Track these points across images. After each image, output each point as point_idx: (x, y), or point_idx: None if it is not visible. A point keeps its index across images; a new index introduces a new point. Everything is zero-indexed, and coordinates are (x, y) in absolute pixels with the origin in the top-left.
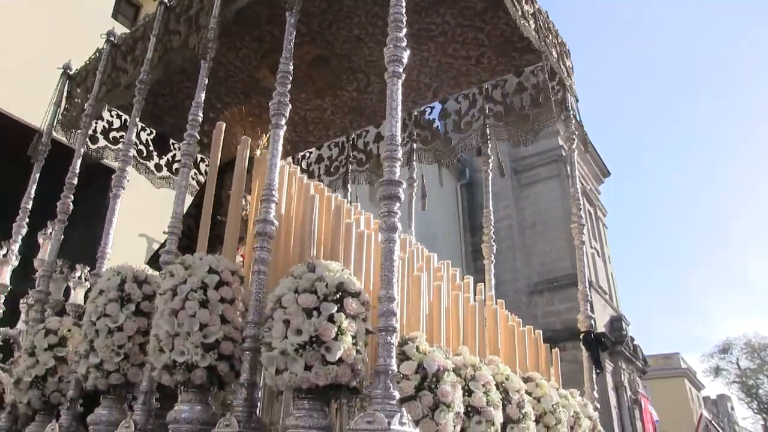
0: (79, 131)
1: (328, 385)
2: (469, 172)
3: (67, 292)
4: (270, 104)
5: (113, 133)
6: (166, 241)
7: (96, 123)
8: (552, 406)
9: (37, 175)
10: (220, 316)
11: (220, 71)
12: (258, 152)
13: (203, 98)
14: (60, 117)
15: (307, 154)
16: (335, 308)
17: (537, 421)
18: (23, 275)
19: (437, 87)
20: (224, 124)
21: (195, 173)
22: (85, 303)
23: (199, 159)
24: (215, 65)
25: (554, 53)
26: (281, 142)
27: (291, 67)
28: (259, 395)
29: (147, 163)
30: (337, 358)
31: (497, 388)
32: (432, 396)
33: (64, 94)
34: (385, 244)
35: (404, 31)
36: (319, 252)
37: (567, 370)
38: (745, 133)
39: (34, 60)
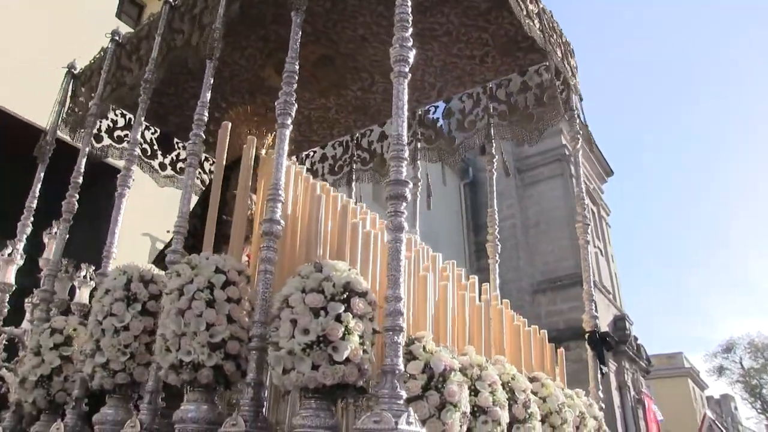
0: (83, 130)
1: (335, 384)
2: (473, 171)
3: (72, 292)
4: (276, 104)
5: (118, 132)
6: (171, 240)
7: (100, 122)
8: (558, 406)
9: (42, 174)
10: (226, 316)
11: (225, 70)
12: (263, 152)
13: (209, 98)
14: (64, 116)
15: (311, 154)
16: (342, 308)
17: (543, 421)
18: (28, 274)
19: (441, 86)
20: (230, 124)
21: (199, 172)
22: (90, 302)
23: (203, 158)
24: (220, 64)
25: (559, 53)
26: (287, 141)
27: (297, 67)
28: (266, 395)
29: (151, 162)
30: (344, 357)
31: (503, 388)
32: (439, 396)
33: (69, 93)
34: (392, 243)
35: (410, 30)
36: (325, 252)
37: (570, 370)
38: (745, 133)
39: (38, 60)
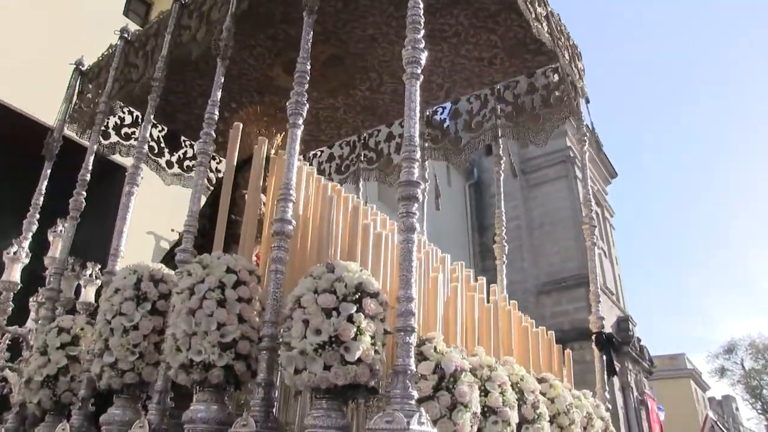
0: (91, 128)
1: (346, 384)
2: (478, 172)
3: (77, 290)
4: (287, 104)
5: (125, 129)
6: (181, 239)
7: (108, 119)
8: (566, 406)
9: (48, 172)
10: (237, 316)
11: (233, 69)
12: (272, 151)
13: (219, 97)
14: (71, 113)
15: (319, 153)
16: (354, 308)
17: (551, 422)
18: (32, 273)
19: (449, 87)
20: (241, 125)
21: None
22: (96, 301)
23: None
24: (229, 63)
25: (566, 55)
26: (298, 141)
27: (308, 67)
28: (276, 395)
29: (158, 159)
30: (356, 358)
31: (512, 389)
32: (450, 396)
33: (76, 90)
34: (403, 244)
35: (422, 32)
36: (336, 252)
37: (574, 371)
38: (745, 133)
39: (44, 58)
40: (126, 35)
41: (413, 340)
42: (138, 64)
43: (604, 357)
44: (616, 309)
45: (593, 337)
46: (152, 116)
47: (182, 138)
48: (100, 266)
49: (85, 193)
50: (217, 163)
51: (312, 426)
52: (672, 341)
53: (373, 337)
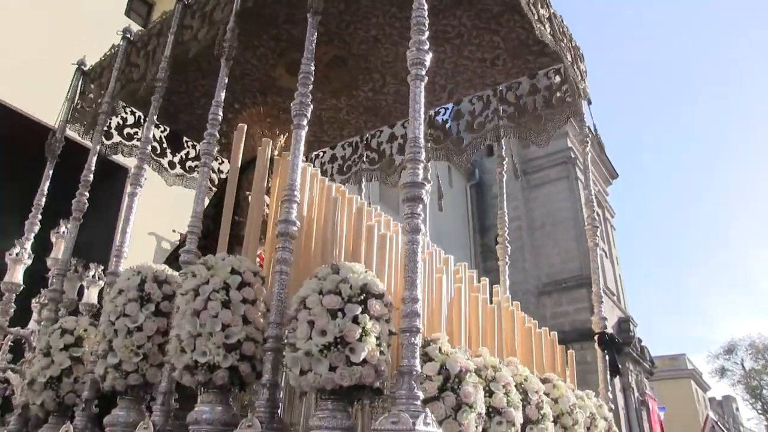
0: (92, 128)
1: (352, 385)
2: (479, 172)
3: (80, 292)
4: (292, 105)
5: (127, 129)
6: (184, 240)
7: (110, 119)
8: (569, 407)
9: (51, 172)
10: (242, 317)
11: (236, 69)
12: (275, 153)
13: (223, 97)
14: (73, 113)
15: (321, 154)
16: (359, 309)
17: (554, 422)
18: (35, 274)
19: (452, 88)
20: (246, 126)
21: None
22: (98, 302)
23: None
24: (232, 63)
25: (569, 57)
26: (303, 142)
27: (312, 68)
28: (280, 396)
29: (161, 160)
30: (361, 359)
31: (516, 389)
32: (455, 397)
33: (78, 90)
34: (409, 245)
35: (426, 34)
36: (340, 253)
37: (576, 372)
38: (745, 133)
39: (45, 58)
40: (129, 35)
41: (418, 341)
42: (139, 64)
43: (607, 357)
44: (617, 309)
45: (596, 337)
46: (155, 117)
47: (185, 138)
48: (102, 267)
49: (87, 194)
50: (219, 164)
51: (317, 427)
52: (672, 341)
53: (378, 338)
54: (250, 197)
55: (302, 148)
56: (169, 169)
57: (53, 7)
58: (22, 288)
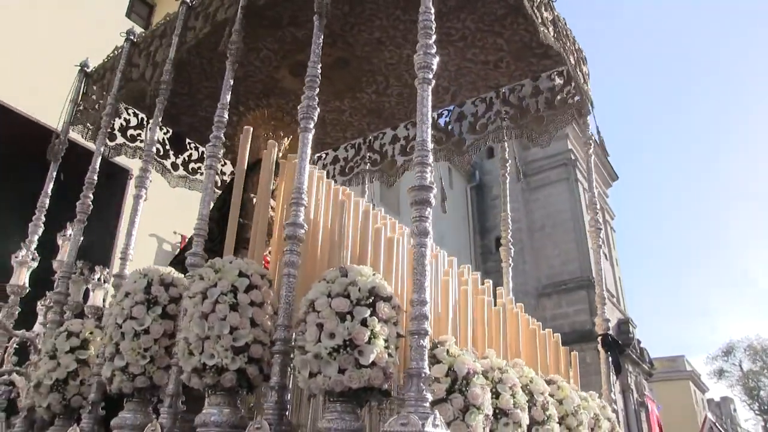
0: (95, 130)
1: (360, 387)
2: (479, 174)
3: (85, 294)
4: (299, 108)
5: (130, 131)
6: (190, 243)
7: (113, 121)
8: (573, 408)
9: (54, 174)
10: (249, 320)
11: (239, 71)
12: (280, 155)
13: (228, 99)
14: (75, 114)
15: (323, 156)
16: (368, 312)
17: (559, 423)
18: (39, 276)
19: (455, 90)
20: (251, 129)
21: None
22: (104, 305)
23: None
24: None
25: (572, 59)
26: (310, 145)
27: (318, 71)
28: (288, 398)
29: (164, 161)
30: (370, 361)
31: (522, 391)
32: (463, 398)
33: (81, 92)
34: (416, 248)
35: (434, 37)
36: (347, 256)
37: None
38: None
39: (47, 58)
40: (132, 37)
41: (427, 343)
42: (139, 63)
43: (610, 359)
44: (616, 311)
45: (599, 338)
46: (160, 119)
47: (187, 140)
48: (108, 270)
49: (92, 196)
50: (222, 166)
51: (326, 429)
52: (671, 343)
53: (386, 341)
54: (255, 200)
55: (309, 151)
56: (172, 171)
57: (52, 7)
58: (27, 290)
